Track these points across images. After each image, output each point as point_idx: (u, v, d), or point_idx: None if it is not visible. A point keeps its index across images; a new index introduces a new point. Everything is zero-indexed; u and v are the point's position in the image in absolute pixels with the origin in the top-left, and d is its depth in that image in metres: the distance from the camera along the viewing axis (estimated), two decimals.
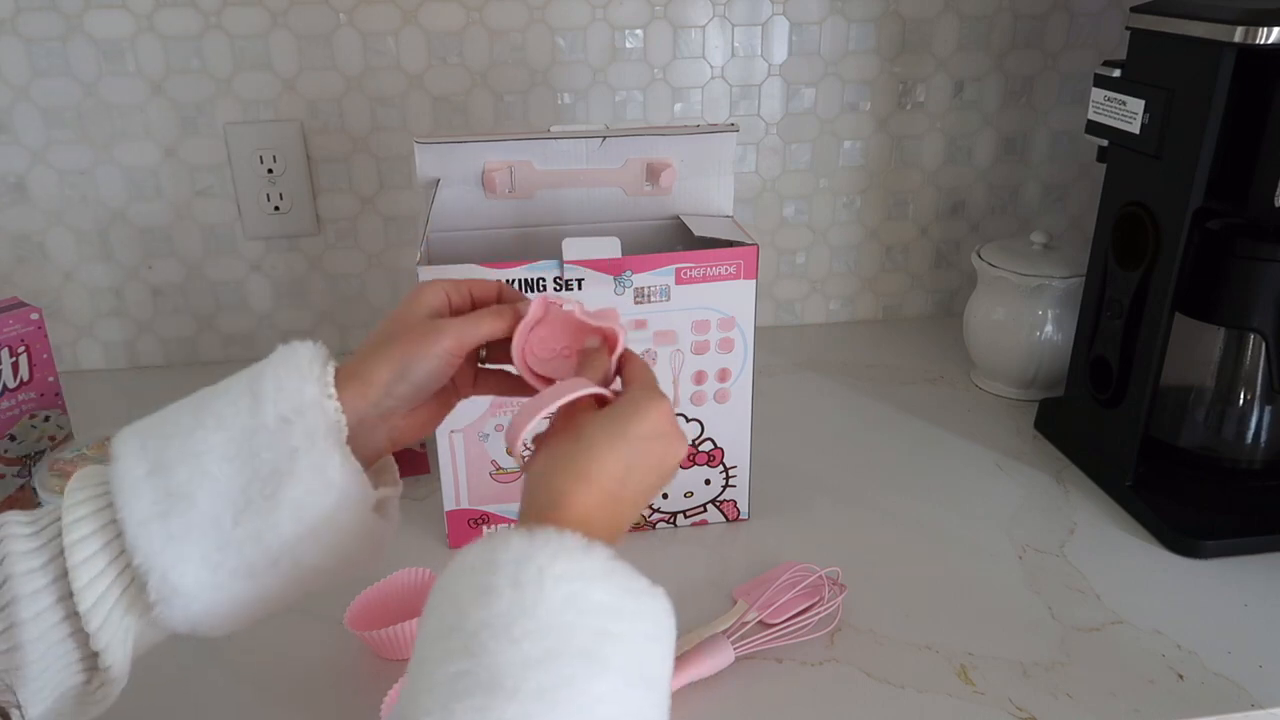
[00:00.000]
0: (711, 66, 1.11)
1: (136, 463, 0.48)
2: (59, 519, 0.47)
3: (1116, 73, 0.83)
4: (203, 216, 1.09)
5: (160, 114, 1.04)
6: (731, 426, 0.81)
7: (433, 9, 1.04)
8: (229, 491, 0.48)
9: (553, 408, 0.49)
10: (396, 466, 0.57)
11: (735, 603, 0.73)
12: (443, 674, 0.39)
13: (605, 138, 0.81)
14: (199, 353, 1.14)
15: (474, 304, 0.57)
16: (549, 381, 0.54)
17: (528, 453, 0.51)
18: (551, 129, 0.81)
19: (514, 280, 0.73)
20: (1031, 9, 1.13)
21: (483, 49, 1.06)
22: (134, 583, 0.48)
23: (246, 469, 0.48)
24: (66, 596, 0.46)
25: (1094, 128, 0.86)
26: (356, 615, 0.69)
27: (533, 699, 0.38)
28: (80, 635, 0.47)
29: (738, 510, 0.85)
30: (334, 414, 0.49)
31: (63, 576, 0.46)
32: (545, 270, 0.73)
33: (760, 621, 0.71)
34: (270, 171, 1.07)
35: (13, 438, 0.80)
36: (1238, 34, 0.70)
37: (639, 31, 1.09)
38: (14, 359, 0.80)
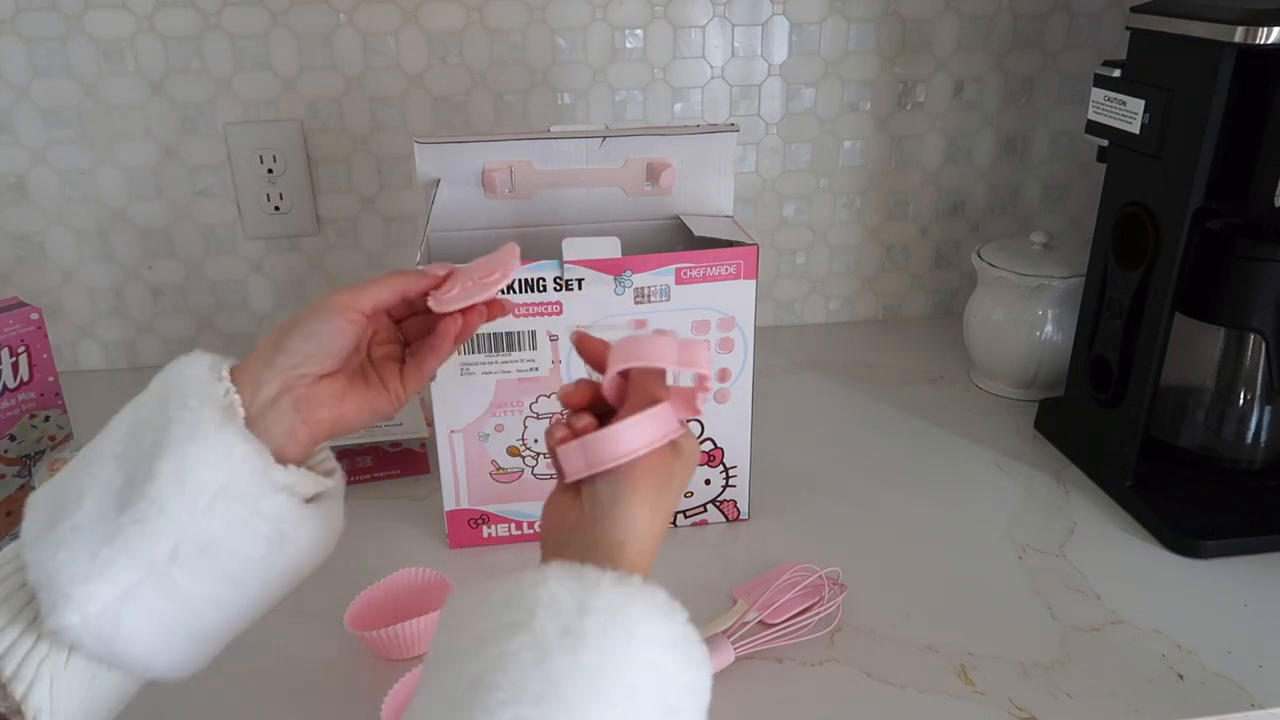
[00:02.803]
0: (711, 66, 1.11)
1: (39, 496, 0.47)
2: None
3: (1116, 73, 0.83)
4: (203, 216, 1.09)
5: (160, 114, 1.04)
6: (731, 426, 0.81)
7: (433, 9, 1.04)
8: (113, 484, 0.45)
9: (649, 448, 0.48)
10: (339, 465, 0.55)
11: (735, 603, 0.73)
12: (510, 714, 0.37)
13: (605, 138, 0.81)
14: None
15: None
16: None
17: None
18: (551, 129, 0.81)
19: (514, 280, 0.72)
20: (1031, 9, 1.13)
21: (483, 49, 1.06)
22: (37, 618, 0.44)
23: (131, 458, 0.45)
24: None
25: (1094, 128, 0.86)
26: (356, 615, 0.69)
27: None
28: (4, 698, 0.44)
29: (738, 510, 0.85)
30: (216, 384, 0.47)
31: None
32: (545, 270, 0.73)
33: (760, 621, 0.71)
34: (270, 171, 1.07)
35: (13, 438, 0.80)
36: (1238, 34, 0.70)
37: (639, 31, 1.09)
38: (14, 359, 0.80)
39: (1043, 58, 1.16)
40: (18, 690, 0.44)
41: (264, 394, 0.49)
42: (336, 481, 0.53)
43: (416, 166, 0.80)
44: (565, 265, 0.73)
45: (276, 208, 1.09)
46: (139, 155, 1.05)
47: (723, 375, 0.79)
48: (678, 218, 0.84)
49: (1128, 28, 0.81)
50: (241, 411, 0.48)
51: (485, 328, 0.73)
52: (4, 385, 0.79)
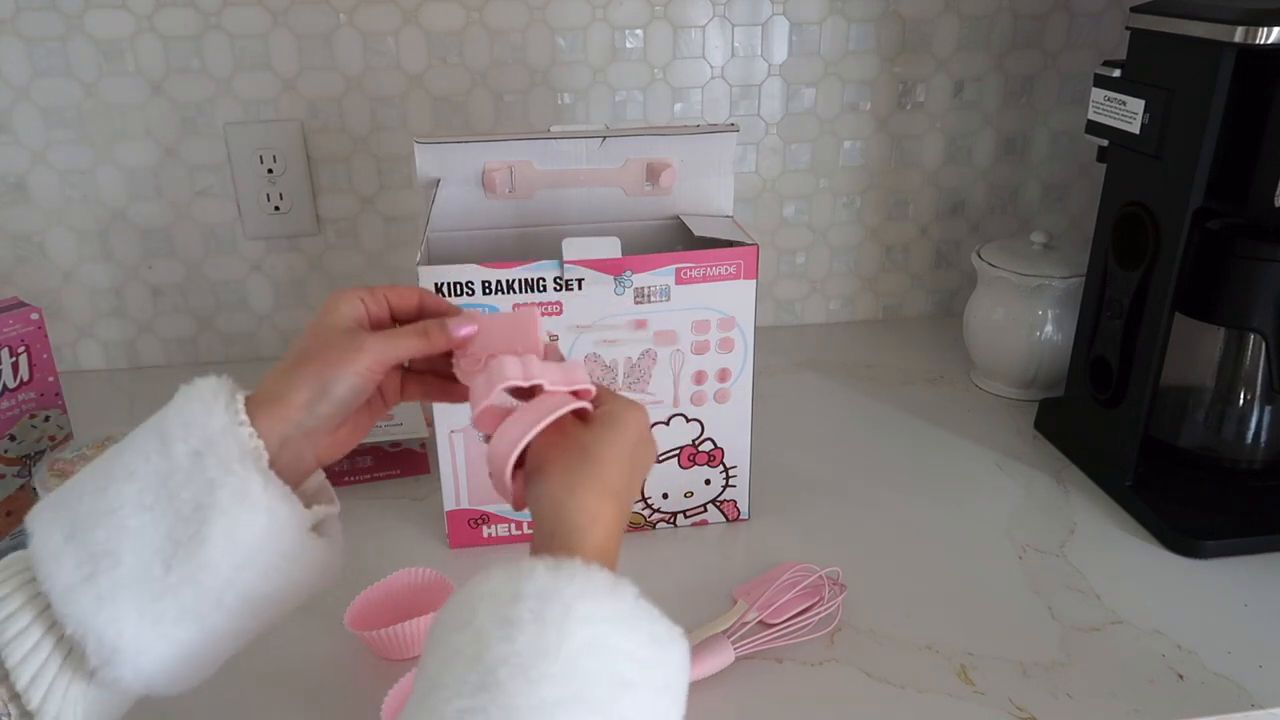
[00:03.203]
0: (711, 66, 1.11)
1: (51, 532, 0.46)
2: None
3: (1116, 73, 0.83)
4: (203, 216, 1.09)
5: (160, 114, 1.04)
6: (731, 426, 0.81)
7: (433, 9, 1.04)
8: (153, 540, 0.46)
9: (542, 425, 0.48)
10: (330, 485, 0.55)
11: (735, 603, 0.73)
12: (453, 709, 0.38)
13: (605, 138, 0.81)
14: (199, 353, 1.14)
15: (392, 313, 0.55)
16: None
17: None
18: (551, 129, 0.81)
19: (514, 280, 0.73)
20: (1031, 9, 1.13)
21: (483, 49, 1.06)
22: (72, 652, 0.46)
23: (168, 513, 0.46)
24: (3, 678, 0.44)
25: (1094, 128, 0.86)
26: (356, 615, 0.69)
27: None
28: (24, 715, 0.45)
29: (738, 510, 0.85)
30: (248, 439, 0.47)
31: None
32: (545, 270, 0.73)
33: (760, 621, 0.71)
34: (270, 171, 1.07)
35: (13, 438, 0.80)
36: (1238, 34, 0.70)
37: (639, 31, 1.09)
38: (14, 359, 0.80)
39: (1043, 58, 1.16)
40: (32, 699, 0.44)
41: (287, 449, 0.50)
42: (335, 504, 0.54)
43: (416, 166, 0.80)
44: (565, 265, 0.73)
45: (276, 208, 1.09)
46: (139, 155, 1.05)
47: (723, 375, 0.79)
48: (678, 218, 0.84)
49: (1128, 28, 0.81)
50: (266, 455, 0.48)
51: None
52: (4, 385, 0.79)
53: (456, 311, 0.56)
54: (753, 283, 0.76)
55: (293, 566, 0.49)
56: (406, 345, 0.52)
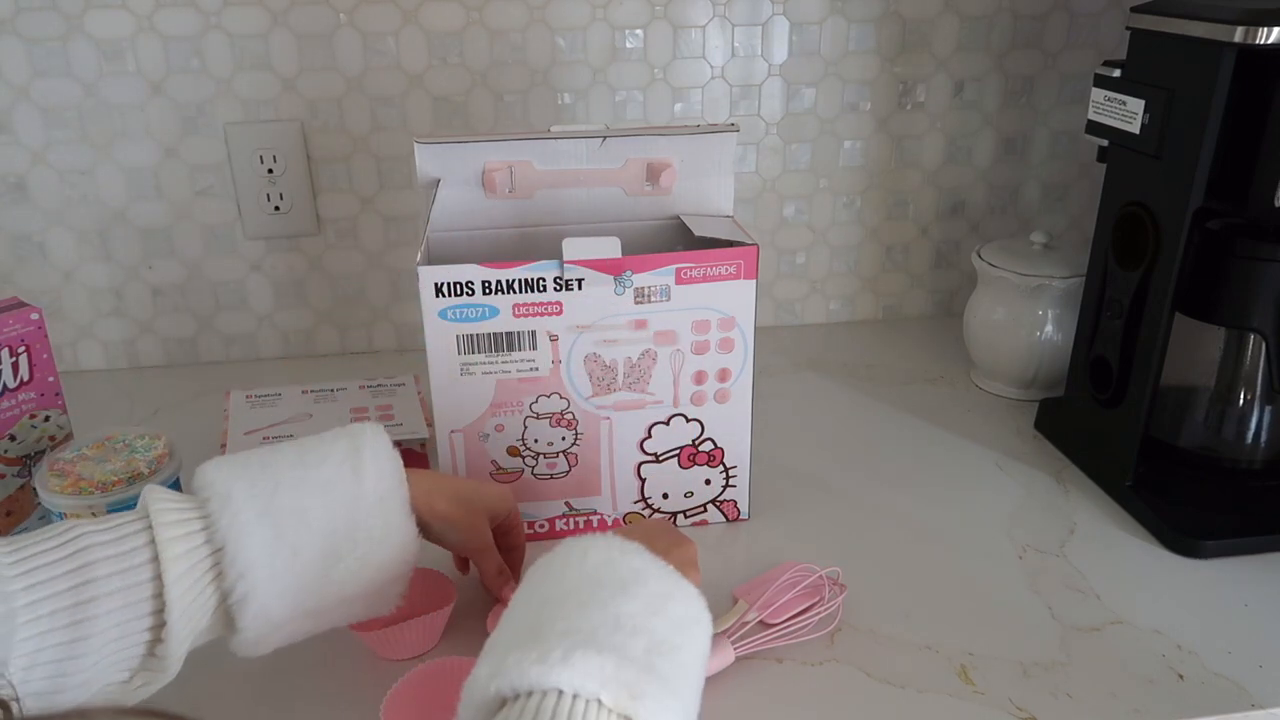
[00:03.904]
0: (711, 66, 1.11)
1: (246, 503, 0.56)
2: (140, 526, 0.54)
3: (1116, 73, 0.83)
4: (203, 216, 1.09)
5: (160, 114, 1.04)
6: (731, 426, 0.81)
7: (433, 9, 1.04)
8: (325, 548, 0.58)
9: None
10: None
11: (735, 603, 0.73)
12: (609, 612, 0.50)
13: (605, 138, 0.81)
14: (199, 353, 1.14)
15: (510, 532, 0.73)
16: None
17: None
18: (551, 129, 0.81)
19: (514, 280, 0.73)
20: (1031, 9, 1.13)
21: (483, 49, 1.06)
22: (221, 604, 0.56)
23: (342, 530, 0.58)
24: (148, 598, 0.53)
25: (1094, 128, 0.86)
26: None
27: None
28: (140, 635, 0.53)
29: (738, 510, 0.85)
30: (409, 498, 0.62)
31: (153, 580, 0.53)
32: (545, 270, 0.73)
33: (760, 621, 0.71)
34: (270, 171, 1.07)
35: (13, 438, 0.80)
36: (1238, 34, 0.70)
37: (639, 31, 1.09)
38: (14, 359, 0.80)
39: (1043, 58, 1.16)
40: (171, 646, 0.54)
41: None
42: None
43: (416, 166, 0.80)
44: (565, 265, 0.73)
45: (276, 208, 1.09)
46: (139, 155, 1.05)
47: (723, 375, 0.79)
48: (678, 218, 0.84)
49: (1128, 28, 0.81)
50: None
51: (487, 328, 0.74)
52: (4, 385, 0.79)
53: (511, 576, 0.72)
54: (753, 283, 0.76)
55: (393, 589, 0.63)
56: (488, 576, 0.71)
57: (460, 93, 1.08)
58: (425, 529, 0.65)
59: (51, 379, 0.82)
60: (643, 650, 0.47)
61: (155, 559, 0.53)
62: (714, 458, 0.82)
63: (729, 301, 0.76)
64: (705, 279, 0.75)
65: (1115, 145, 0.84)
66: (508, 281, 0.73)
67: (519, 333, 0.75)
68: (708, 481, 0.83)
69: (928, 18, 1.12)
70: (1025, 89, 1.17)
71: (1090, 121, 0.86)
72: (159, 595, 0.53)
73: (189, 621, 0.54)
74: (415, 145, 0.79)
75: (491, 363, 0.75)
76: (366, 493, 0.60)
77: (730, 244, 0.76)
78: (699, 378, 0.78)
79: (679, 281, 0.75)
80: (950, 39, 1.13)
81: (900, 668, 0.69)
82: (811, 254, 1.22)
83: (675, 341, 0.77)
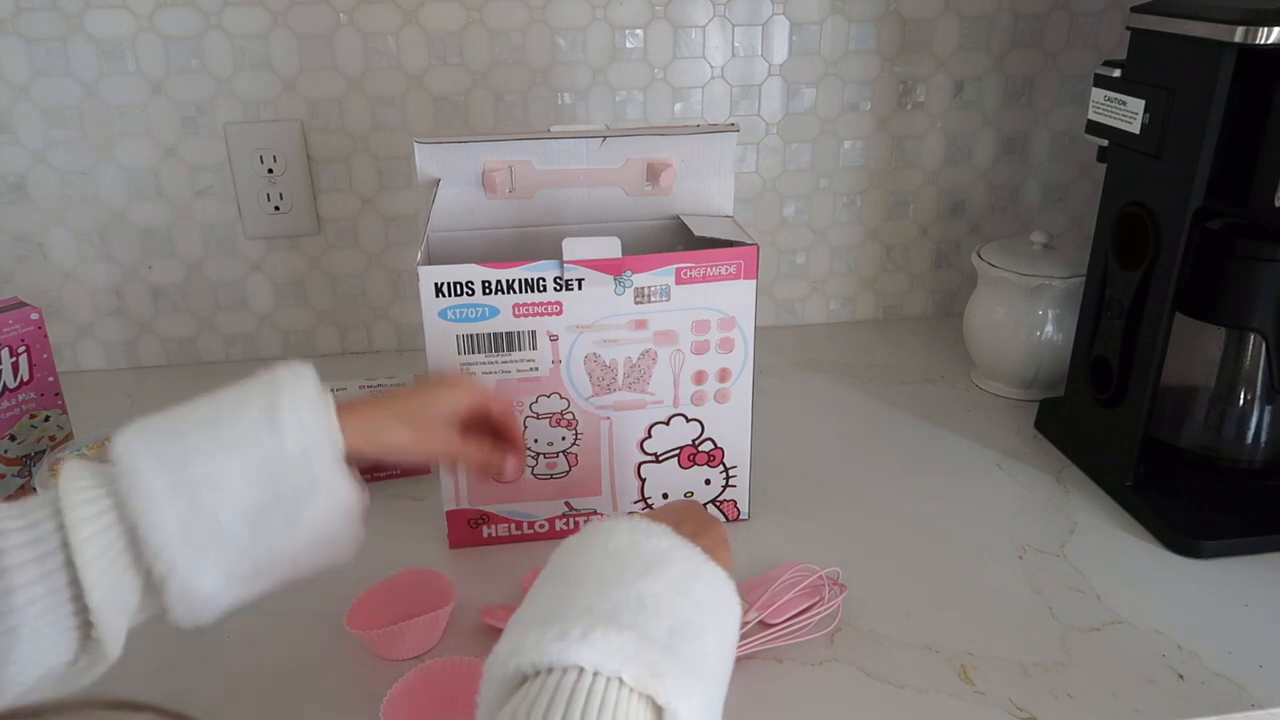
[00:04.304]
0: (712, 66, 1.11)
1: (155, 476, 0.51)
2: (50, 510, 0.50)
3: (1116, 73, 0.83)
4: (203, 216, 1.09)
5: (160, 114, 1.04)
6: (731, 426, 0.81)
7: (433, 9, 1.04)
8: (247, 510, 0.53)
9: None
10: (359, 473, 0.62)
11: None
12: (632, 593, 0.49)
13: (605, 138, 0.81)
14: (199, 353, 1.14)
15: (494, 422, 0.68)
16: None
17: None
18: (551, 129, 0.81)
19: (514, 280, 0.73)
20: (1031, 9, 1.13)
21: (483, 49, 1.06)
22: (148, 581, 0.52)
23: (266, 490, 0.53)
24: (66, 584, 0.49)
25: (1094, 128, 0.86)
26: (356, 615, 0.69)
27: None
28: (70, 620, 0.50)
29: (738, 510, 0.85)
30: (342, 447, 0.56)
31: (69, 564, 0.49)
32: (545, 270, 0.73)
33: (760, 621, 0.71)
34: (270, 171, 1.07)
35: (13, 438, 0.80)
36: (1238, 34, 0.70)
37: (639, 31, 1.09)
38: (14, 359, 0.80)
39: (1043, 58, 1.16)
40: (100, 625, 0.50)
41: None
42: (365, 490, 0.61)
43: (416, 166, 0.80)
44: (565, 265, 0.73)
45: (276, 208, 1.09)
46: (139, 155, 1.05)
47: (723, 375, 0.79)
48: (678, 218, 0.84)
49: (1128, 28, 0.81)
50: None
51: (487, 328, 0.74)
52: (4, 385, 0.79)
53: (519, 447, 0.70)
54: (753, 283, 0.76)
55: (339, 547, 0.57)
56: (470, 460, 0.67)
57: (460, 93, 1.08)
58: (380, 462, 0.62)
59: (51, 379, 0.83)
60: (665, 631, 0.48)
61: (67, 544, 0.50)
62: (714, 458, 0.82)
63: (729, 301, 0.76)
64: (705, 279, 0.75)
65: (1115, 145, 0.84)
66: (508, 281, 0.73)
67: (519, 333, 0.75)
68: (708, 481, 0.83)
69: (928, 17, 1.12)
70: (1025, 89, 1.17)
71: (1090, 121, 0.86)
72: (77, 580, 0.50)
73: (115, 603, 0.51)
74: (415, 145, 0.79)
75: (491, 363, 0.75)
76: (287, 447, 0.54)
77: (730, 244, 0.76)
78: (699, 378, 0.78)
79: (679, 281, 0.75)
80: (950, 39, 1.13)
81: (900, 667, 0.69)
82: (811, 254, 1.22)
83: (675, 341, 0.77)
